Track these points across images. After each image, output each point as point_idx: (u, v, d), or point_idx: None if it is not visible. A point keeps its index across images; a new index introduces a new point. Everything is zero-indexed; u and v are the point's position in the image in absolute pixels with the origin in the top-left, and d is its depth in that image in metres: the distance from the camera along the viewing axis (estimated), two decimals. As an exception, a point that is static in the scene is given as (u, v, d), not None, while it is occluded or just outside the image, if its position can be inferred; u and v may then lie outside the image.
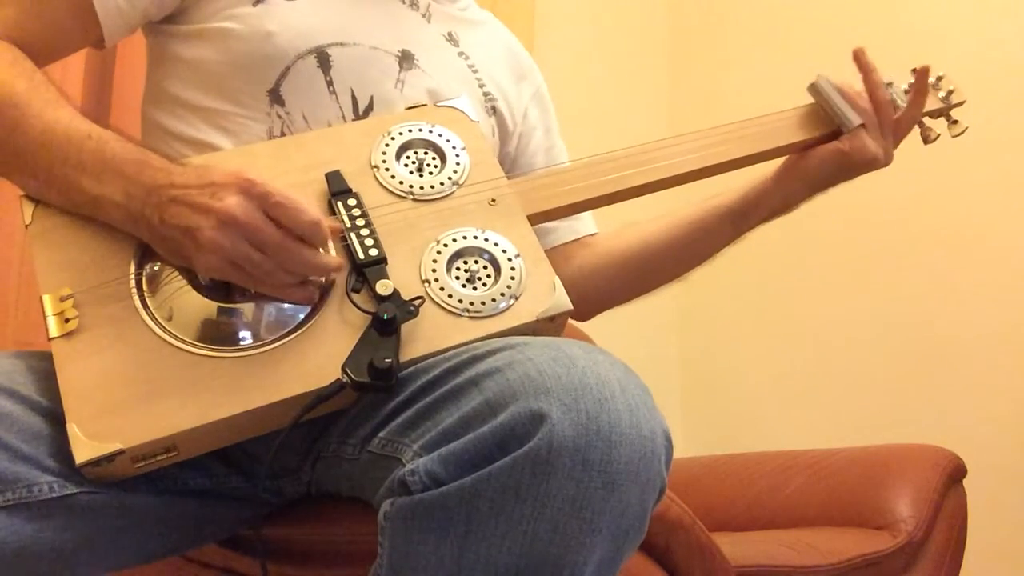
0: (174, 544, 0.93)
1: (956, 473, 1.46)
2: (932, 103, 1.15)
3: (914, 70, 1.12)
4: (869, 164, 1.08)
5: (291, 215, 0.79)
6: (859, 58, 1.09)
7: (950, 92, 1.17)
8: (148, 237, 0.83)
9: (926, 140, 1.16)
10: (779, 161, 1.11)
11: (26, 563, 0.76)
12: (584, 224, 1.20)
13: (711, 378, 2.51)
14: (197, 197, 0.79)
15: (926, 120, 1.16)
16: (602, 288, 1.16)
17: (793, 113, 1.11)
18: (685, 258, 1.15)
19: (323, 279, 0.83)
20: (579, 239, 1.19)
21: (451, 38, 1.11)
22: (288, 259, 0.79)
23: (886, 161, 1.10)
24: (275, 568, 0.96)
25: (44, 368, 0.80)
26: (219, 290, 0.82)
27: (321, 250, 0.83)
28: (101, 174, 0.82)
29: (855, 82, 1.10)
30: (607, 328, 1.40)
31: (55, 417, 0.77)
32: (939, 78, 1.16)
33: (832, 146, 1.08)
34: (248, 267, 0.79)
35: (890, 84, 1.11)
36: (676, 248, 1.14)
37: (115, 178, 0.82)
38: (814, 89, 1.11)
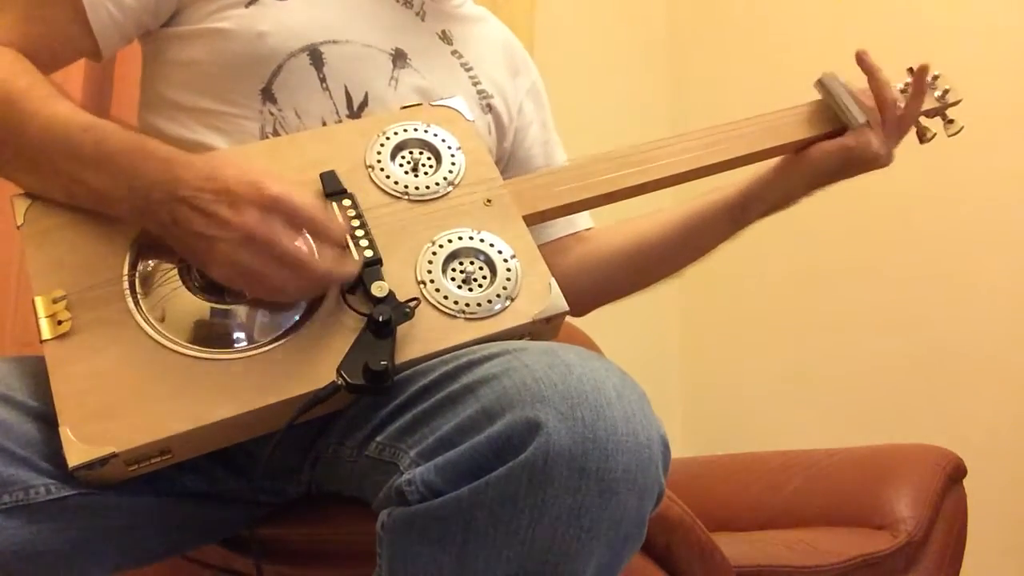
0: (173, 545, 0.93)
1: (956, 473, 1.46)
2: (928, 102, 1.14)
3: (910, 69, 1.12)
4: (871, 162, 1.08)
5: (321, 231, 0.79)
6: (863, 60, 1.08)
7: (946, 91, 1.16)
8: (157, 231, 0.81)
9: (922, 139, 1.15)
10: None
11: (25, 565, 0.76)
12: (581, 218, 1.19)
13: (711, 378, 2.51)
14: (212, 205, 0.76)
15: (922, 119, 1.15)
16: (599, 283, 1.16)
17: (796, 111, 1.10)
18: (682, 252, 1.15)
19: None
20: (575, 233, 1.18)
21: (445, 36, 1.11)
22: (310, 273, 0.78)
23: (887, 161, 1.09)
24: (274, 568, 0.96)
25: (40, 372, 0.79)
26: (213, 291, 0.82)
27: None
28: (101, 165, 0.81)
29: (858, 82, 1.10)
30: (608, 328, 1.40)
31: (50, 422, 0.76)
32: (935, 77, 1.16)
33: (837, 141, 1.07)
34: (264, 281, 0.78)
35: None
36: (673, 242, 1.14)
37: (115, 170, 0.81)
38: (820, 85, 1.10)
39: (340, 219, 0.85)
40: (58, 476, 0.76)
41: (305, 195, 0.80)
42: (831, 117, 1.09)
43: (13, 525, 0.74)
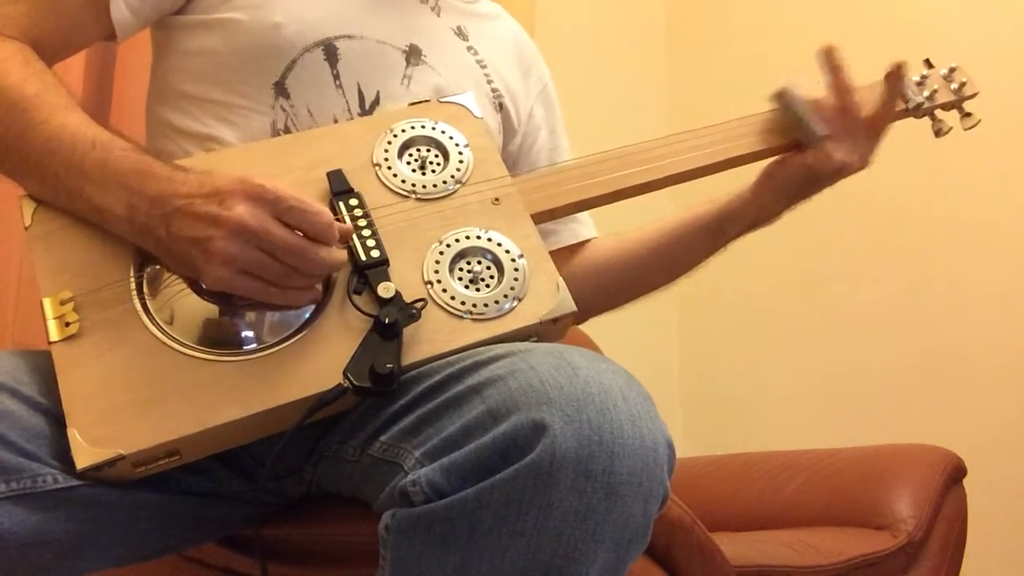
0: (175, 541, 0.93)
1: (956, 473, 1.46)
2: (944, 95, 1.12)
3: (926, 61, 1.09)
4: (838, 173, 1.03)
5: (306, 218, 0.78)
6: (827, 57, 1.03)
7: (963, 84, 1.12)
8: (154, 249, 0.81)
9: (938, 133, 1.12)
10: (758, 171, 1.08)
11: (29, 555, 0.76)
12: (585, 227, 1.19)
13: (711, 378, 2.51)
14: (203, 206, 0.77)
15: (938, 112, 1.12)
16: (583, 296, 1.15)
17: (761, 118, 1.07)
18: (664, 268, 1.13)
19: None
20: (570, 244, 1.17)
21: (460, 32, 1.10)
22: (304, 261, 0.78)
23: (861, 165, 1.04)
24: (275, 568, 0.95)
25: (47, 368, 0.79)
26: (219, 293, 0.81)
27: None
28: (104, 184, 0.81)
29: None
30: (608, 328, 1.40)
31: (57, 418, 0.77)
32: (952, 69, 1.13)
33: (798, 160, 1.04)
34: (262, 274, 0.77)
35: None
36: (654, 258, 1.13)
37: (118, 189, 0.81)
38: (779, 98, 1.05)
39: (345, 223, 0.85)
40: (65, 469, 0.76)
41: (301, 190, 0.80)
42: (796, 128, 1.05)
43: (19, 512, 0.74)
